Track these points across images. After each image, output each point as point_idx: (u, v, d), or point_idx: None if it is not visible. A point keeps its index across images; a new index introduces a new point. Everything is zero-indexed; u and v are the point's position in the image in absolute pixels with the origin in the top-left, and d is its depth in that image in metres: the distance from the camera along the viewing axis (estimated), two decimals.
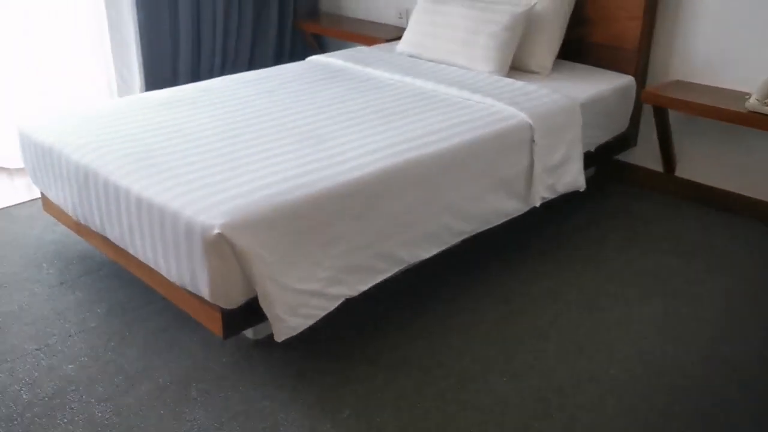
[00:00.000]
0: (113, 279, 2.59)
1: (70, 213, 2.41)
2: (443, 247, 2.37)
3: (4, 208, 3.19)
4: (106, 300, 2.47)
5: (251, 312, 1.95)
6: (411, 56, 3.33)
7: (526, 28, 3.07)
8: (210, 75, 4.15)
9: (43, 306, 2.44)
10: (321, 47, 4.59)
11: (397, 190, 2.16)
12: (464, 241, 2.48)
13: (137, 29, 3.83)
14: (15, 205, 3.22)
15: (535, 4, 3.05)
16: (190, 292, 1.99)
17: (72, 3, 3.67)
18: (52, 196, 2.51)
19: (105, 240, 2.32)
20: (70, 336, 2.29)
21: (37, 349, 2.22)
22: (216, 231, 1.78)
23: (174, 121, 2.50)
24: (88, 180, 2.21)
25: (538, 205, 2.64)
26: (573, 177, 2.75)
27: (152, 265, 2.07)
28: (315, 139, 2.34)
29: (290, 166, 2.11)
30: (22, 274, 2.63)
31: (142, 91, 3.97)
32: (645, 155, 3.31)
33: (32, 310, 2.42)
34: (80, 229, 2.48)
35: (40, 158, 2.46)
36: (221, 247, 1.80)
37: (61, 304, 2.46)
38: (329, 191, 1.99)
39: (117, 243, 2.21)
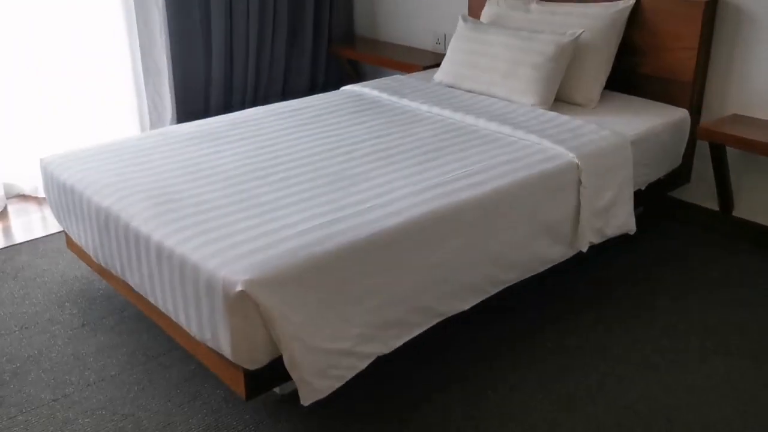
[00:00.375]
0: (136, 321, 2.48)
1: (91, 254, 2.31)
2: (483, 298, 2.21)
3: (31, 241, 3.11)
4: (128, 344, 2.36)
5: (276, 371, 1.80)
6: (449, 86, 3.19)
7: (571, 58, 2.90)
8: (242, 99, 4.06)
9: (63, 350, 2.34)
10: (357, 73, 4.48)
11: (435, 240, 2.01)
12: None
13: (169, 56, 3.76)
14: (42, 237, 3.15)
15: (582, 32, 2.88)
16: (212, 348, 1.86)
17: (104, 28, 3.61)
18: (73, 235, 2.42)
19: (126, 284, 2.21)
20: (88, 385, 2.18)
21: (53, 400, 2.11)
22: (238, 288, 1.65)
23: (201, 158, 2.39)
24: (108, 224, 2.10)
25: (585, 250, 2.46)
26: (623, 220, 2.57)
27: (173, 318, 1.94)
28: (347, 180, 2.20)
29: (320, 213, 1.97)
30: (44, 315, 2.54)
31: (173, 119, 3.89)
32: (699, 192, 3.10)
33: (51, 354, 2.32)
34: (102, 270, 2.38)
35: (62, 197, 2.37)
36: (244, 306, 1.66)
37: (82, 348, 2.35)
38: (362, 242, 1.85)
39: (137, 290, 2.09)
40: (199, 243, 1.82)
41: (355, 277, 1.84)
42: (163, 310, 1.97)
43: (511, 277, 2.27)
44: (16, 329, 2.46)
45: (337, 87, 3.45)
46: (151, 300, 2.02)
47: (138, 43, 3.69)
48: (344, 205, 2.02)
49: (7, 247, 3.07)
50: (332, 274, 1.79)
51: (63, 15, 3.46)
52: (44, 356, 2.31)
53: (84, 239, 2.32)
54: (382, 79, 3.39)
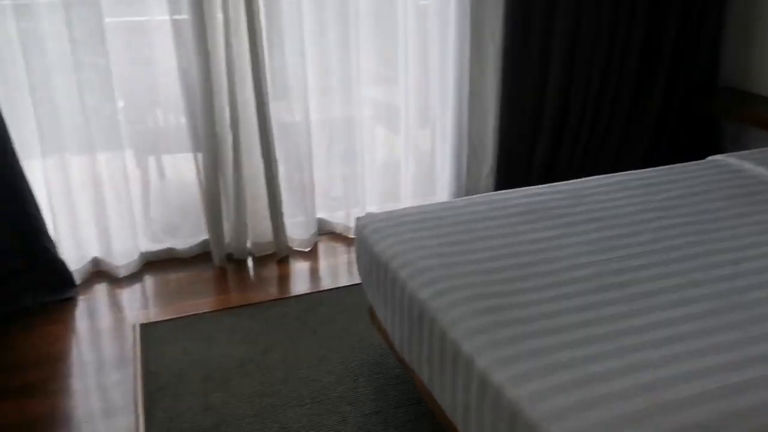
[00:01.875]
0: (434, 422, 2.10)
1: (396, 347, 1.96)
2: None
3: (334, 289, 2.93)
4: None
5: None
6: None
7: None
8: (571, 150, 3.52)
9: None
10: (715, 133, 3.67)
11: None
12: None
13: (498, 96, 3.38)
14: (346, 286, 2.95)
15: None
16: None
17: (432, 64, 3.35)
18: (380, 313, 2.10)
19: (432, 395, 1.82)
20: None
21: None
22: None
23: (539, 245, 1.92)
24: (422, 322, 1.73)
25: None
26: None
27: None
28: (743, 310, 1.57)
29: (710, 366, 1.37)
30: (337, 388, 2.28)
31: (493, 171, 3.50)
32: None
33: None
34: (405, 363, 2.03)
35: (373, 270, 2.07)
36: None
37: None
38: None
39: (447, 412, 1.68)
40: (539, 388, 1.34)
41: None
42: None
43: None
44: (308, 402, 2.23)
45: (687, 151, 2.77)
46: None
47: (468, 80, 3.35)
48: (740, 361, 1.39)
49: (312, 293, 2.92)
50: None
51: (401, 42, 3.28)
52: None
53: (391, 325, 1.98)
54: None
